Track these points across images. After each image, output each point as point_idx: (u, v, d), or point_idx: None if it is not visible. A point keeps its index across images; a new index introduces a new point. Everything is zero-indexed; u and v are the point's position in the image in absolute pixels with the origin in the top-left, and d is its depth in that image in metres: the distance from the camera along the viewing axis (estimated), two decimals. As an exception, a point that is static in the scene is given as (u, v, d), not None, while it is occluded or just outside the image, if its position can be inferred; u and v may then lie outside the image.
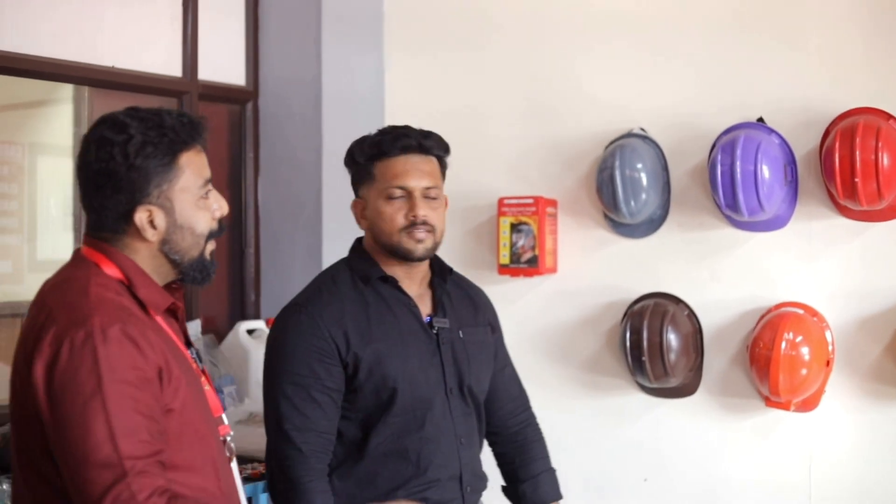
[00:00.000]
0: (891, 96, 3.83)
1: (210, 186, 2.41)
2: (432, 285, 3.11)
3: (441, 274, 3.11)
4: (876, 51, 3.87)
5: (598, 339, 4.29)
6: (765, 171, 3.79)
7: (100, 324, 2.17)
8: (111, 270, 2.30)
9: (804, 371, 3.80)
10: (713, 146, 3.99)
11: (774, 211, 3.89)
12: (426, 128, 3.07)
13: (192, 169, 2.35)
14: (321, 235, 4.83)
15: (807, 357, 3.80)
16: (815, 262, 3.96)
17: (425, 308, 3.07)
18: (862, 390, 3.89)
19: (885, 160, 3.67)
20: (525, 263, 4.27)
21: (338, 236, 4.47)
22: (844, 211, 3.89)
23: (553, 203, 4.30)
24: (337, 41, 4.78)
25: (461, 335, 3.07)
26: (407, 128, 3.04)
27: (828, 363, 3.88)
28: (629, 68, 4.23)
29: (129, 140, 2.27)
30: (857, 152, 3.66)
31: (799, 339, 3.80)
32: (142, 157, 2.27)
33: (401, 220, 2.96)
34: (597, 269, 4.30)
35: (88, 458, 2.11)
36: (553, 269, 4.32)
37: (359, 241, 3.12)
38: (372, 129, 3.08)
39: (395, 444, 2.93)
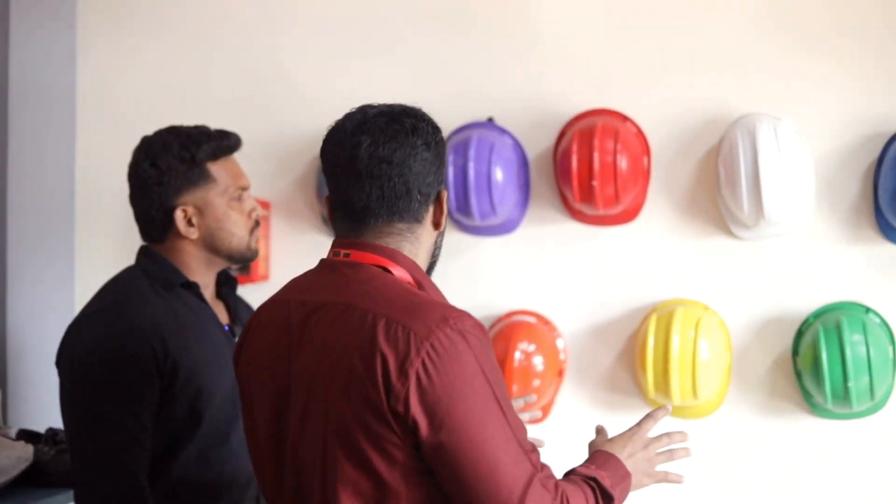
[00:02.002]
0: (625, 97, 3.75)
1: None
2: (220, 294, 2.86)
3: (229, 282, 2.88)
4: (610, 51, 3.78)
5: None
6: (498, 174, 3.63)
7: None
8: None
9: (537, 381, 3.66)
10: (443, 146, 3.80)
11: (506, 215, 3.74)
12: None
13: None
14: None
15: (540, 367, 3.66)
16: (547, 269, 3.83)
17: (222, 317, 2.82)
18: (595, 399, 3.79)
19: (623, 163, 3.58)
20: (238, 270, 3.92)
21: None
22: (577, 215, 3.77)
23: (266, 205, 3.99)
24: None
25: None
26: (206, 127, 2.83)
27: (560, 372, 3.76)
28: (348, 65, 3.96)
29: None
30: (596, 155, 3.55)
31: (532, 348, 3.65)
32: None
33: (249, 221, 2.77)
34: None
35: None
36: (266, 277, 4.00)
37: (145, 248, 2.79)
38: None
39: (201, 458, 2.64)
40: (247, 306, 2.96)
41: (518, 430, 1.95)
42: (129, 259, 2.83)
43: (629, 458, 2.18)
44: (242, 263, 2.86)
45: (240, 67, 4.06)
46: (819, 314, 3.62)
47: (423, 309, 1.94)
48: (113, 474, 2.52)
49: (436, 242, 2.19)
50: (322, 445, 1.95)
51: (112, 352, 2.56)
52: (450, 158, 3.63)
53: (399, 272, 2.04)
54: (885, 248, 3.64)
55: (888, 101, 3.64)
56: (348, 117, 2.10)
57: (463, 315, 1.97)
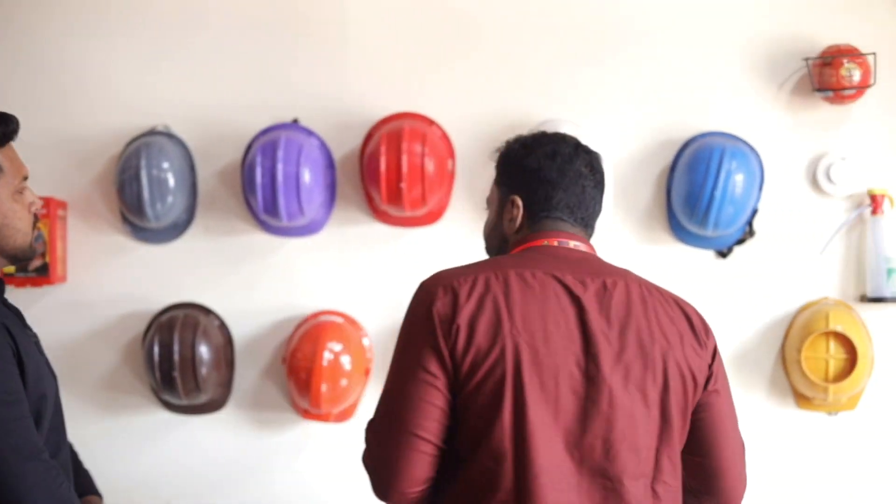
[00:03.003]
0: (430, 101, 3.82)
1: None
2: None
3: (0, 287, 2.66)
4: (415, 55, 3.84)
5: (115, 354, 3.92)
6: (306, 175, 3.65)
7: None
8: None
9: (344, 381, 3.69)
10: (248, 147, 3.79)
11: (312, 216, 3.76)
12: None
13: None
14: None
15: (347, 367, 3.69)
16: (352, 269, 3.86)
17: None
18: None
19: (430, 166, 3.65)
20: (34, 272, 3.81)
21: None
22: (382, 216, 3.82)
23: (63, 205, 3.88)
24: None
25: None
26: None
27: (366, 372, 3.80)
28: (150, 62, 3.90)
29: None
30: (404, 157, 3.61)
31: (339, 348, 3.68)
32: None
33: (31, 215, 2.58)
34: (114, 278, 3.92)
35: None
36: (63, 278, 3.89)
37: None
38: None
39: None
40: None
41: None
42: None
43: None
44: (22, 263, 2.69)
45: (33, 63, 3.94)
46: (618, 312, 3.77)
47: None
48: None
49: None
50: (643, 400, 2.18)
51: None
52: (257, 160, 3.62)
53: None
54: (676, 248, 3.83)
55: (681, 110, 3.82)
56: (557, 135, 2.41)
57: None
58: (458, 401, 2.13)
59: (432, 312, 2.17)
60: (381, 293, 3.86)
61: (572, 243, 2.32)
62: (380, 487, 2.19)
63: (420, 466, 2.14)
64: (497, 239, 2.42)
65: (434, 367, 2.13)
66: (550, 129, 3.57)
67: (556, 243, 2.32)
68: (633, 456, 2.15)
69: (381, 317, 3.85)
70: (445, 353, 2.13)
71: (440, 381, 2.13)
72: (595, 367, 2.14)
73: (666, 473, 2.19)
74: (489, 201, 2.46)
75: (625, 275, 2.30)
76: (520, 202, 2.34)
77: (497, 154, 2.45)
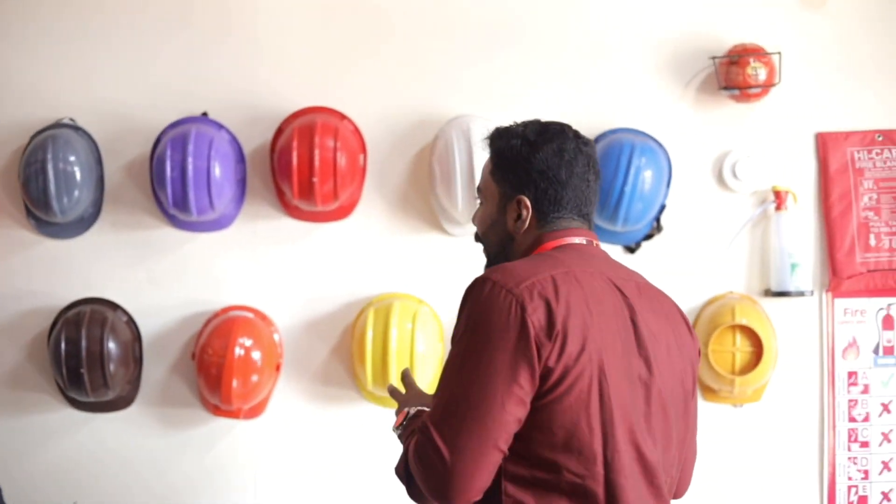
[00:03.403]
0: (341, 95, 3.81)
1: None
2: None
3: None
4: (325, 49, 3.83)
5: (18, 351, 3.85)
6: (217, 169, 3.61)
7: None
8: None
9: (255, 377, 3.67)
10: (157, 141, 3.74)
11: (222, 210, 3.72)
12: None
13: None
14: None
15: (259, 362, 3.67)
16: (262, 264, 3.85)
17: None
18: (310, 393, 3.84)
19: (342, 160, 3.64)
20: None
21: None
22: (292, 211, 3.81)
23: (-38, 199, 3.81)
24: None
25: None
26: None
27: (277, 367, 3.78)
28: (55, 54, 3.83)
29: None
30: (317, 151, 3.60)
31: (250, 343, 3.66)
32: None
33: None
34: (16, 273, 3.86)
35: None
36: (-37, 274, 3.82)
37: None
38: None
39: None
40: None
41: None
42: None
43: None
44: None
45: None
46: (528, 306, 3.80)
47: None
48: None
49: None
50: (682, 392, 2.26)
51: None
52: (167, 153, 3.58)
53: None
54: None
55: (590, 107, 3.86)
56: (555, 127, 2.35)
57: None
58: (538, 406, 2.08)
59: (527, 322, 2.08)
60: (292, 288, 3.84)
61: (594, 242, 2.34)
62: (443, 495, 2.09)
63: (490, 476, 2.09)
64: (499, 235, 2.36)
65: (525, 379, 2.06)
66: (463, 125, 3.67)
67: (580, 241, 2.31)
68: (669, 455, 2.20)
69: (292, 312, 3.84)
70: (538, 365, 2.07)
71: (528, 395, 2.08)
72: (648, 370, 2.17)
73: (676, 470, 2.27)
74: (485, 194, 2.39)
75: (637, 274, 2.36)
76: (528, 202, 2.29)
77: (489, 144, 2.38)
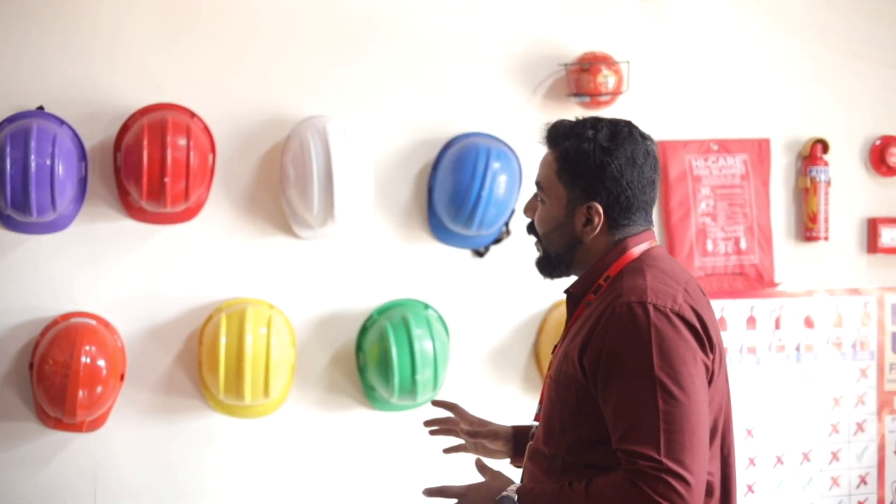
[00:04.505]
0: (187, 92, 3.65)
1: None
2: None
3: None
4: (169, 44, 3.65)
5: None
6: (60, 168, 3.39)
7: None
8: None
9: (100, 388, 3.46)
10: (-8, 136, 3.49)
11: (61, 211, 3.50)
12: None
13: None
14: None
15: (104, 372, 3.46)
16: (103, 268, 3.64)
17: None
18: (153, 404, 3.67)
19: (194, 160, 3.49)
20: None
21: None
22: (135, 212, 3.62)
23: None
24: None
25: None
26: None
27: (122, 377, 3.59)
28: None
29: None
30: (169, 151, 3.43)
31: (95, 351, 3.44)
32: None
33: None
34: None
35: None
36: None
37: None
38: None
39: None
40: None
41: None
42: None
43: None
44: None
45: None
46: (383, 311, 3.76)
47: None
48: None
49: None
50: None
51: None
52: (7, 150, 3.34)
53: None
54: (436, 248, 3.86)
55: (441, 110, 3.85)
56: (624, 128, 2.36)
57: None
58: None
59: (702, 336, 2.20)
60: (134, 294, 3.66)
61: (662, 247, 2.39)
62: None
63: None
64: (565, 238, 2.35)
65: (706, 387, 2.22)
66: (319, 125, 3.60)
67: (657, 245, 2.38)
68: None
69: (135, 319, 3.66)
70: (708, 373, 2.21)
71: None
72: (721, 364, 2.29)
73: None
74: (548, 193, 2.36)
75: None
76: (600, 210, 2.29)
77: (551, 139, 2.37)
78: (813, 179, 4.10)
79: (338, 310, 3.79)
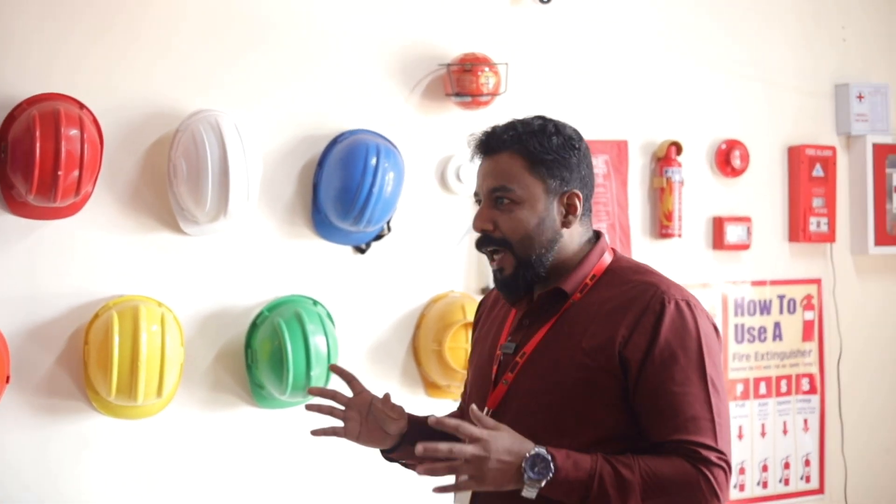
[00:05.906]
0: (73, 82, 3.53)
1: None
2: None
3: None
4: (54, 32, 3.52)
5: None
6: (-61, 160, 3.23)
7: None
8: None
9: (-13, 392, 3.32)
10: None
11: (-68, 206, 3.34)
12: None
13: None
14: None
15: (-10, 375, 3.32)
16: (-24, 266, 3.48)
17: None
18: (35, 406, 3.52)
19: (87, 152, 3.37)
20: None
21: None
22: (16, 208, 3.47)
23: None
24: None
25: None
26: None
27: (7, 379, 3.43)
28: None
29: None
30: (63, 143, 3.31)
31: (-23, 353, 3.31)
32: None
33: None
34: None
35: None
36: None
37: None
38: None
39: None
40: None
41: None
42: None
43: None
44: None
45: None
46: (274, 307, 3.73)
47: None
48: None
49: None
50: None
51: None
52: None
53: None
54: (319, 244, 3.88)
55: (324, 106, 3.87)
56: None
57: None
58: None
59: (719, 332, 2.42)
60: (13, 292, 3.50)
61: None
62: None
63: None
64: (547, 234, 2.35)
65: None
66: (211, 119, 3.58)
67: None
68: None
69: (18, 318, 3.50)
70: None
71: None
72: None
73: None
74: (520, 192, 2.33)
75: None
76: (580, 195, 2.36)
77: (508, 144, 2.35)
78: (668, 179, 4.33)
79: (224, 307, 3.75)
